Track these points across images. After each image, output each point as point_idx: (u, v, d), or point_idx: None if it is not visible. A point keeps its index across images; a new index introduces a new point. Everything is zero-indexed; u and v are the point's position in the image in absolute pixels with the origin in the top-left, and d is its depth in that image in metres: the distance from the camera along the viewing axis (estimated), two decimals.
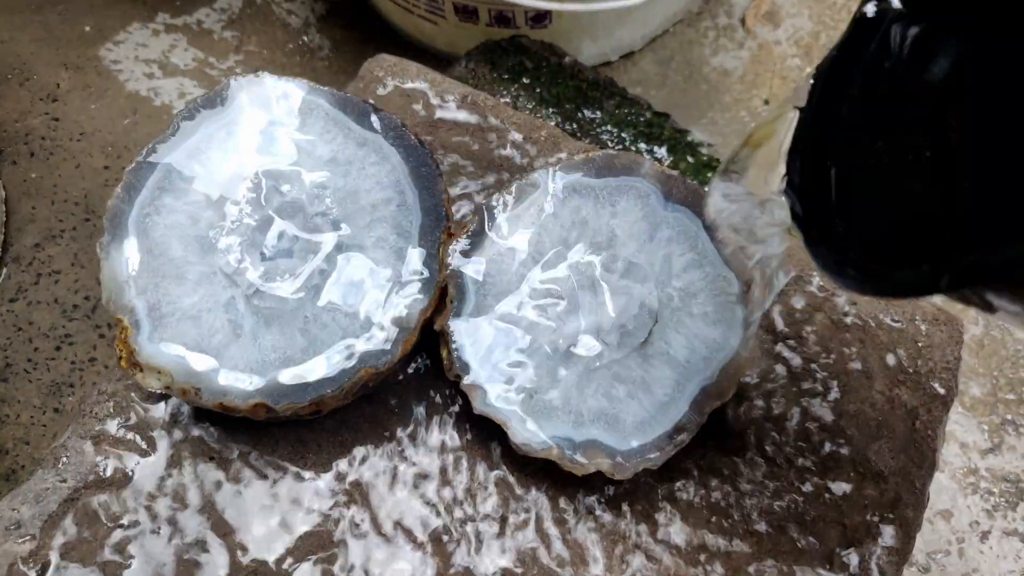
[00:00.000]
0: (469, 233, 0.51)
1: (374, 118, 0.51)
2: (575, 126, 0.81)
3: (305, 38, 0.97)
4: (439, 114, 0.63)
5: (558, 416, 0.49)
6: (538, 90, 0.82)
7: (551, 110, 0.81)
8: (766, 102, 1.03)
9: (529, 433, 0.49)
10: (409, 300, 0.48)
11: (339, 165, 0.50)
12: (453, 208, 0.53)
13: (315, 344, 0.48)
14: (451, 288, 0.50)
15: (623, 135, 0.80)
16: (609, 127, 0.81)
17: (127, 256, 0.47)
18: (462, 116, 0.63)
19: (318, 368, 0.47)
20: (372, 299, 0.48)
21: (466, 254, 0.50)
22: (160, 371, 0.46)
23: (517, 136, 0.63)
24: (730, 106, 0.99)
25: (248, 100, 0.50)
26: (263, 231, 0.49)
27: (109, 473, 0.51)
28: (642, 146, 0.80)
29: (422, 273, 0.49)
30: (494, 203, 0.51)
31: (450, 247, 0.50)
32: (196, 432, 0.52)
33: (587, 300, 0.51)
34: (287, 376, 0.47)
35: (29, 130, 0.90)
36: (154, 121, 0.91)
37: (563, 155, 0.63)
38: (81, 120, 0.91)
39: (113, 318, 0.45)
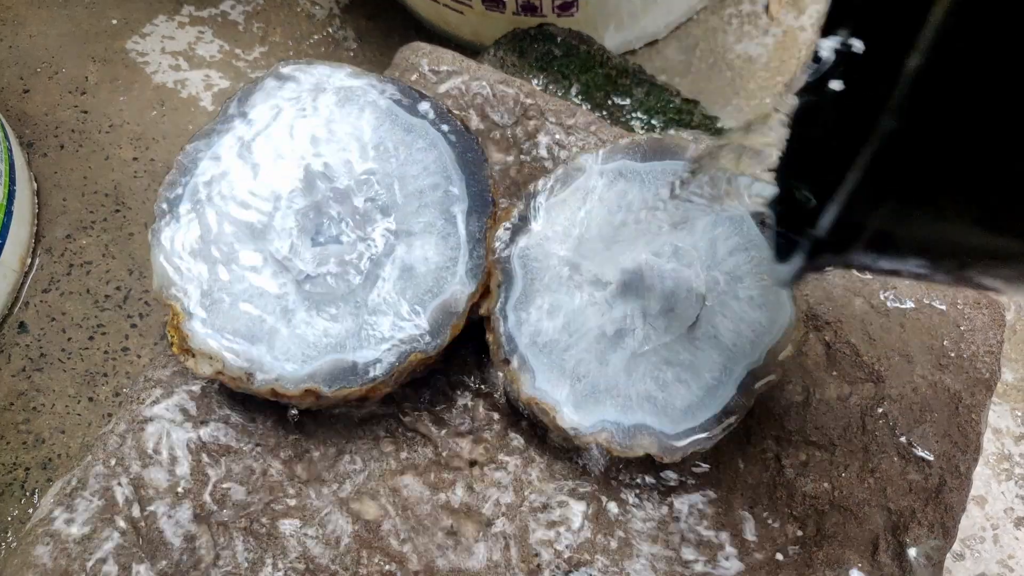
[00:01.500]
0: (515, 218, 0.51)
1: (422, 104, 0.51)
2: (605, 113, 0.81)
3: (330, 29, 0.97)
4: (476, 100, 0.63)
5: (606, 400, 0.50)
6: (567, 77, 0.82)
7: (580, 98, 0.81)
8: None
9: (577, 417, 0.49)
10: (457, 285, 0.49)
11: (387, 151, 0.50)
12: (497, 191, 0.53)
13: (366, 331, 0.48)
14: (497, 273, 0.50)
15: (653, 122, 0.80)
16: (639, 114, 0.81)
17: (179, 242, 0.47)
18: (499, 102, 0.63)
19: (369, 353, 0.47)
20: (420, 284, 0.48)
21: (512, 239, 0.50)
22: (212, 357, 0.47)
23: (553, 120, 0.64)
24: (755, 93, 0.99)
25: (297, 86, 0.50)
26: (313, 217, 0.49)
27: (157, 459, 0.51)
28: (672, 133, 0.80)
29: (469, 258, 0.49)
30: (539, 188, 0.51)
31: (496, 232, 0.50)
32: (241, 416, 0.52)
33: (634, 284, 0.51)
34: (338, 362, 0.47)
35: (59, 123, 0.90)
36: (181, 113, 0.92)
37: (599, 139, 0.63)
38: (109, 112, 0.91)
39: (163, 304, 0.46)
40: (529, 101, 0.63)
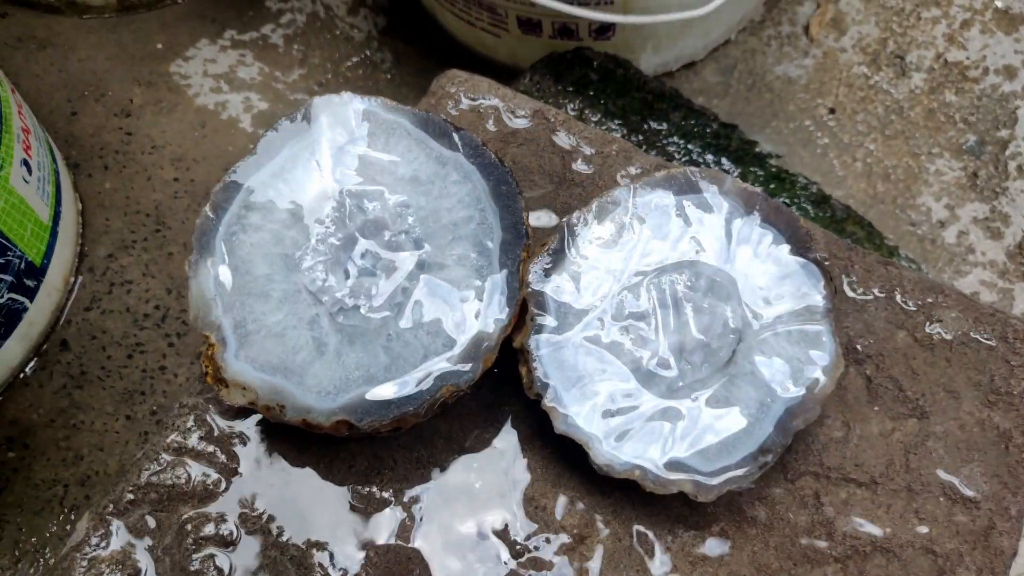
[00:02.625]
0: (549, 251, 0.50)
1: (455, 136, 0.51)
2: (641, 138, 0.80)
3: (368, 52, 0.98)
4: (511, 129, 0.63)
5: (640, 437, 0.49)
6: (603, 102, 0.82)
7: (617, 122, 0.81)
8: (831, 111, 1.01)
9: (611, 454, 0.48)
10: (490, 318, 0.48)
11: (421, 184, 0.50)
12: (531, 225, 0.53)
13: (398, 362, 0.48)
14: (531, 306, 0.50)
15: (690, 147, 0.79)
16: (676, 139, 0.80)
17: (214, 274, 0.48)
18: (534, 131, 0.63)
19: (400, 386, 0.47)
20: (453, 316, 0.48)
21: (547, 272, 0.50)
22: (245, 387, 0.47)
23: (589, 150, 0.63)
24: (795, 115, 0.98)
25: (330, 119, 0.50)
26: (347, 250, 0.49)
27: (191, 486, 0.52)
28: (709, 157, 0.79)
29: (503, 291, 0.49)
30: (574, 221, 0.51)
31: (531, 265, 0.50)
32: (275, 446, 0.52)
33: (670, 319, 0.50)
34: (370, 394, 0.47)
35: (104, 144, 0.92)
36: (222, 134, 0.93)
37: (634, 168, 0.62)
38: (152, 134, 0.93)
39: (200, 335, 0.46)
40: (564, 130, 0.63)
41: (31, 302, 0.81)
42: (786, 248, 0.51)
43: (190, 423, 0.54)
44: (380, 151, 0.50)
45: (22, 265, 0.78)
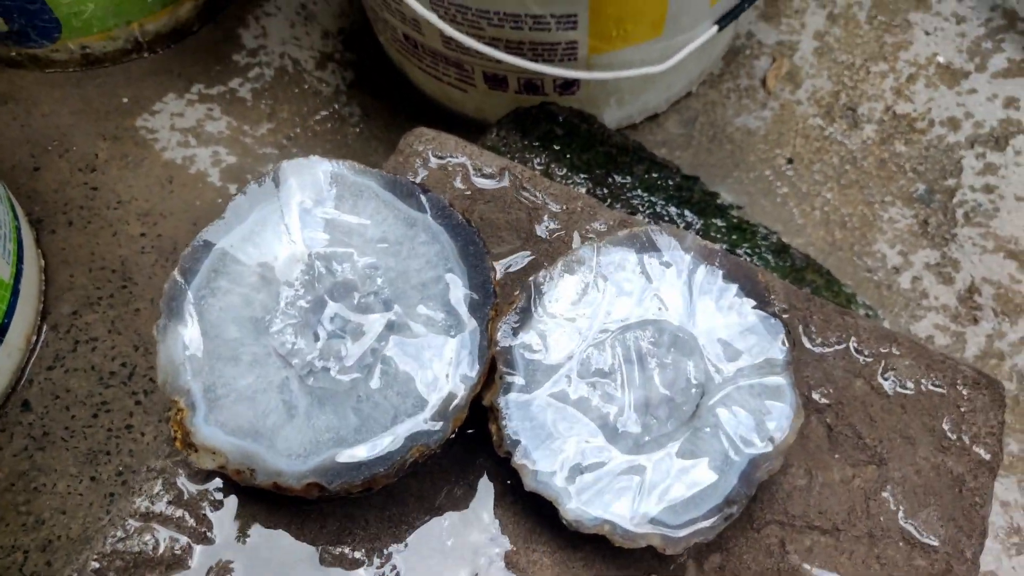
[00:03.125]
0: (517, 309, 0.51)
1: (423, 198, 0.52)
2: (606, 191, 0.82)
3: (336, 105, 0.99)
4: (479, 187, 0.65)
5: (608, 492, 0.50)
6: (568, 156, 0.84)
7: (582, 176, 0.83)
8: (790, 160, 1.05)
9: (580, 510, 0.49)
10: (459, 376, 0.49)
11: (390, 245, 0.51)
12: (498, 283, 0.54)
13: (368, 424, 0.48)
14: (500, 364, 0.50)
15: (653, 199, 0.81)
16: (640, 191, 0.82)
17: (183, 338, 0.48)
18: (501, 189, 0.64)
19: (371, 447, 0.48)
20: (423, 376, 0.49)
21: (515, 331, 0.51)
22: (215, 452, 0.47)
23: (555, 207, 0.65)
24: (755, 165, 1.01)
25: (299, 182, 0.51)
26: (316, 312, 0.50)
27: (159, 553, 0.51)
28: (672, 210, 0.81)
29: (471, 350, 0.49)
30: (540, 280, 0.52)
31: (499, 323, 0.51)
32: (246, 509, 0.52)
33: (635, 375, 0.51)
34: (340, 456, 0.48)
35: (68, 200, 0.92)
36: (189, 188, 0.93)
37: (599, 224, 0.64)
38: (118, 189, 0.93)
39: (168, 400, 0.46)
40: (530, 187, 0.65)
41: None
42: (746, 302, 0.53)
43: (158, 487, 0.53)
44: (349, 213, 0.51)
45: None
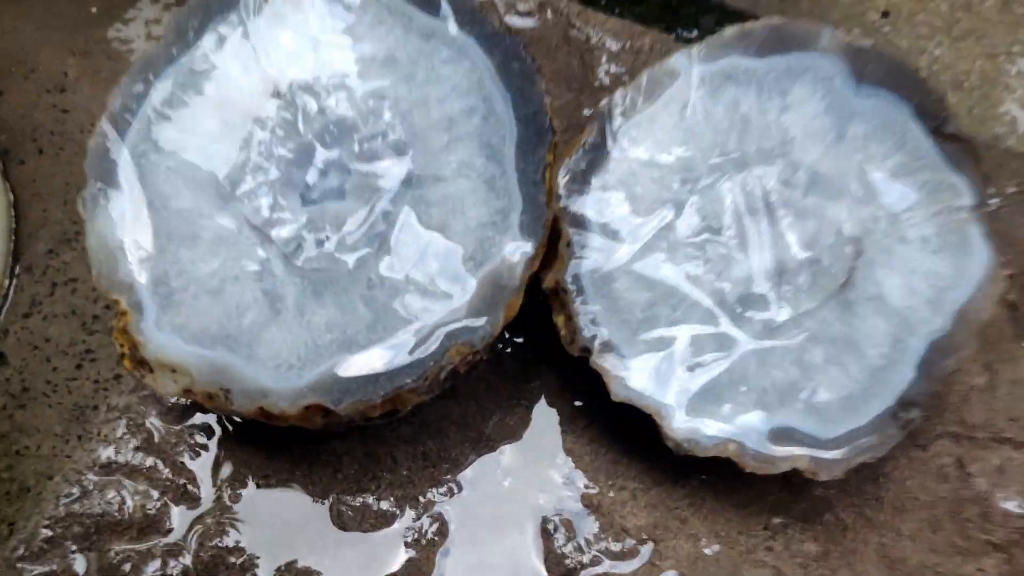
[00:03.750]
0: (585, 147, 0.36)
1: (443, 1, 0.36)
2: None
3: None
4: (515, 25, 0.49)
5: (731, 398, 0.35)
6: (617, 10, 0.68)
7: None
8: (884, 14, 0.85)
9: (692, 424, 0.34)
10: (509, 248, 0.34)
11: (400, 66, 0.36)
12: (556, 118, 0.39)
13: (384, 318, 0.34)
14: (566, 229, 0.36)
15: None
16: None
17: (120, 212, 0.34)
18: (543, 28, 0.49)
19: (391, 351, 0.34)
20: (458, 251, 0.34)
21: (583, 178, 0.36)
22: (175, 369, 0.33)
23: (615, 45, 0.49)
24: (840, 23, 0.82)
25: None
26: (302, 164, 0.35)
27: (126, 515, 0.38)
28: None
29: (524, 209, 0.35)
30: (617, 103, 0.36)
31: (560, 170, 0.36)
32: (236, 453, 0.39)
33: (760, 230, 0.36)
34: (349, 365, 0.34)
35: (37, 125, 0.78)
36: None
37: None
38: (92, 109, 0.79)
39: (107, 299, 0.32)
40: (580, 23, 0.49)
41: None
42: (913, 124, 0.37)
43: (121, 430, 0.40)
44: (341, 24, 0.36)
45: None
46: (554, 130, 0.36)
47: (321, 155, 0.35)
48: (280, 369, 0.33)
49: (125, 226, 0.34)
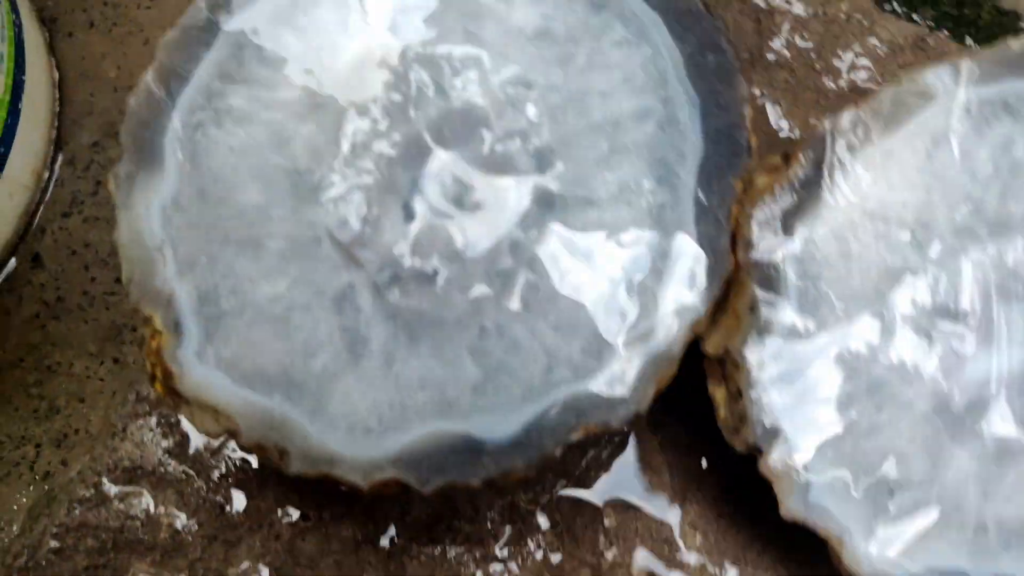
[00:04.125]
0: (793, 183, 0.27)
1: None
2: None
3: None
4: None
5: (939, 533, 0.26)
6: None
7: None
8: None
9: (884, 559, 0.26)
10: (672, 305, 0.25)
11: (555, 44, 0.26)
12: (755, 130, 0.29)
13: (497, 379, 0.25)
14: (752, 287, 0.26)
15: (968, 40, 0.54)
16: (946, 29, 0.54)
17: (162, 200, 0.25)
18: None
19: (501, 423, 0.25)
20: (604, 300, 0.26)
21: (784, 224, 0.27)
22: (218, 411, 0.25)
23: (801, 9, 0.39)
24: None
25: None
26: (410, 165, 0.26)
27: (150, 530, 0.31)
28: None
29: (697, 254, 0.26)
30: (843, 128, 0.27)
31: (756, 209, 0.27)
32: (284, 476, 0.32)
33: (1012, 323, 0.27)
34: (445, 433, 0.25)
35: None
36: None
37: (877, 43, 0.37)
38: None
39: (137, 312, 0.24)
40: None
41: None
42: None
43: (150, 430, 0.33)
44: None
45: None
46: (749, 149, 0.27)
47: (436, 155, 0.26)
48: (355, 432, 0.25)
49: (168, 220, 0.25)
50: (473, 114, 0.26)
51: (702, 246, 0.26)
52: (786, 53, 0.39)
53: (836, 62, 0.39)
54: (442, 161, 0.26)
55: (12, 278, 0.67)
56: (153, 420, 0.34)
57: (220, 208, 0.26)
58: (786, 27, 0.39)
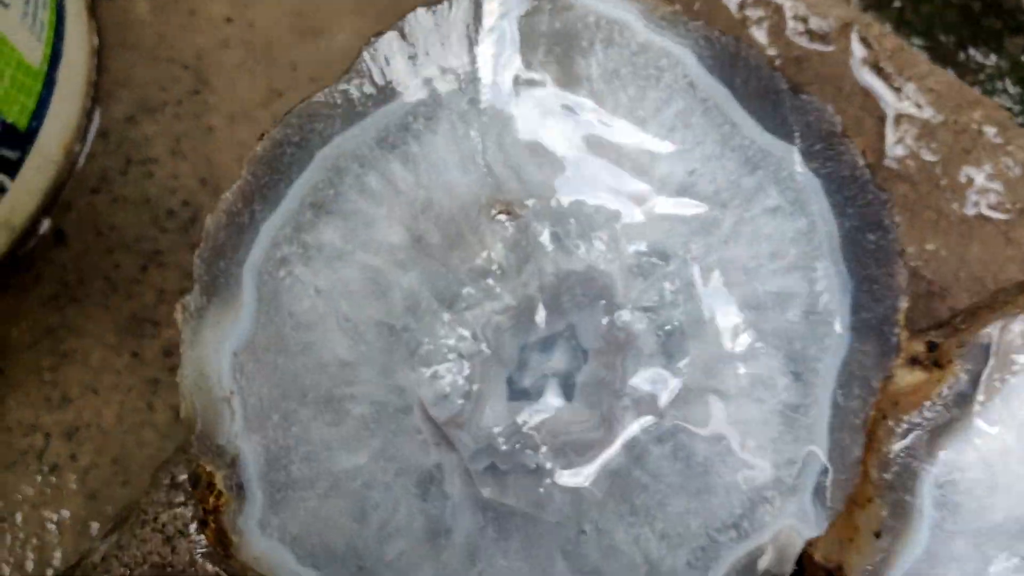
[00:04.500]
0: (945, 396, 0.24)
1: (786, 104, 0.23)
2: (953, 72, 0.50)
3: None
4: (796, 49, 0.35)
5: None
6: (899, 5, 0.52)
7: (916, 41, 0.51)
8: None
9: None
10: (790, 522, 0.23)
11: (701, 205, 0.23)
12: (908, 324, 0.26)
13: None
14: (879, 512, 0.24)
15: None
16: (1009, 83, 0.51)
17: (234, 344, 0.22)
18: (831, 58, 0.35)
19: None
20: (720, 510, 0.23)
21: (929, 444, 0.24)
22: None
23: (927, 111, 0.35)
24: None
25: (523, 31, 0.23)
26: (519, 332, 0.23)
27: None
28: None
29: (827, 467, 0.23)
30: (1011, 336, 0.23)
31: (896, 420, 0.24)
32: None
33: None
34: None
35: None
36: None
37: (1009, 162, 0.34)
38: None
39: (194, 455, 0.21)
40: (887, 63, 0.35)
41: (12, 179, 0.56)
42: None
43: (178, 515, 0.30)
44: (623, 113, 0.23)
45: None
46: (898, 347, 0.23)
47: (549, 324, 0.23)
48: None
49: (240, 367, 0.22)
50: (595, 282, 0.23)
51: (833, 458, 0.23)
52: (910, 163, 0.35)
53: (962, 180, 0.35)
54: (553, 332, 0.22)
55: (32, 254, 0.63)
56: (175, 526, 0.31)
57: (300, 360, 0.22)
58: (912, 132, 0.36)
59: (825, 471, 0.23)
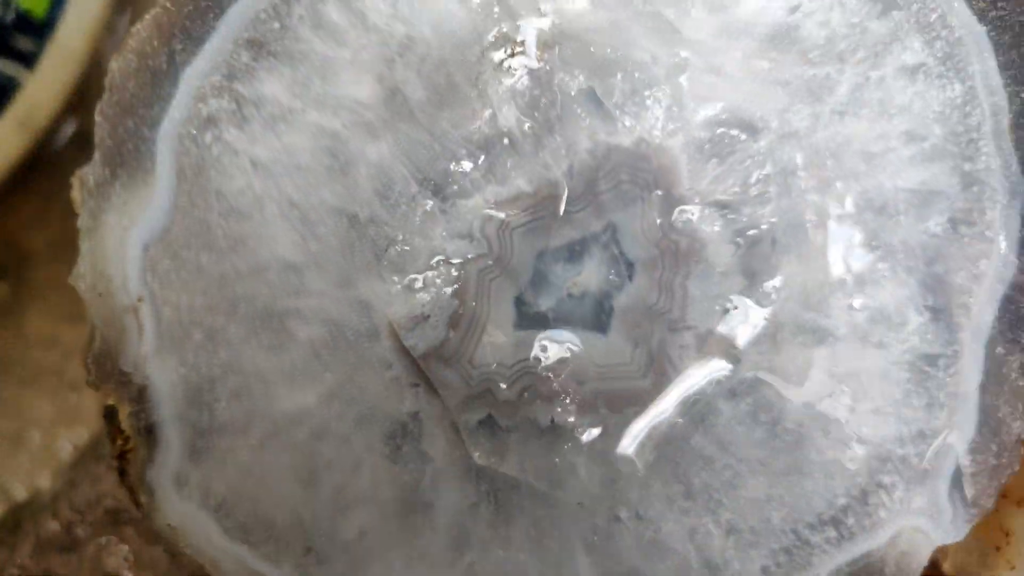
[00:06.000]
0: None
1: None
2: None
3: None
4: None
5: None
6: None
7: None
8: None
9: None
10: (911, 521, 0.16)
11: (802, 58, 0.16)
12: None
13: None
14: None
15: None
16: None
17: (144, 234, 0.16)
18: None
19: None
20: (815, 498, 0.16)
21: None
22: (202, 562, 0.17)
23: None
24: None
25: None
26: (535, 229, 0.16)
27: None
28: None
29: (971, 445, 0.16)
30: None
31: None
32: None
33: None
34: None
35: None
36: None
37: None
38: None
39: (101, 396, 0.15)
40: None
41: (30, 72, 0.52)
42: None
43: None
44: None
45: (9, 18, 0.48)
46: None
47: (579, 223, 0.16)
48: None
49: (152, 266, 0.16)
50: (653, 163, 0.16)
51: (983, 434, 0.16)
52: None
53: None
54: (592, 230, 0.16)
55: (57, 158, 0.59)
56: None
57: (230, 259, 0.16)
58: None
59: (970, 452, 0.16)
